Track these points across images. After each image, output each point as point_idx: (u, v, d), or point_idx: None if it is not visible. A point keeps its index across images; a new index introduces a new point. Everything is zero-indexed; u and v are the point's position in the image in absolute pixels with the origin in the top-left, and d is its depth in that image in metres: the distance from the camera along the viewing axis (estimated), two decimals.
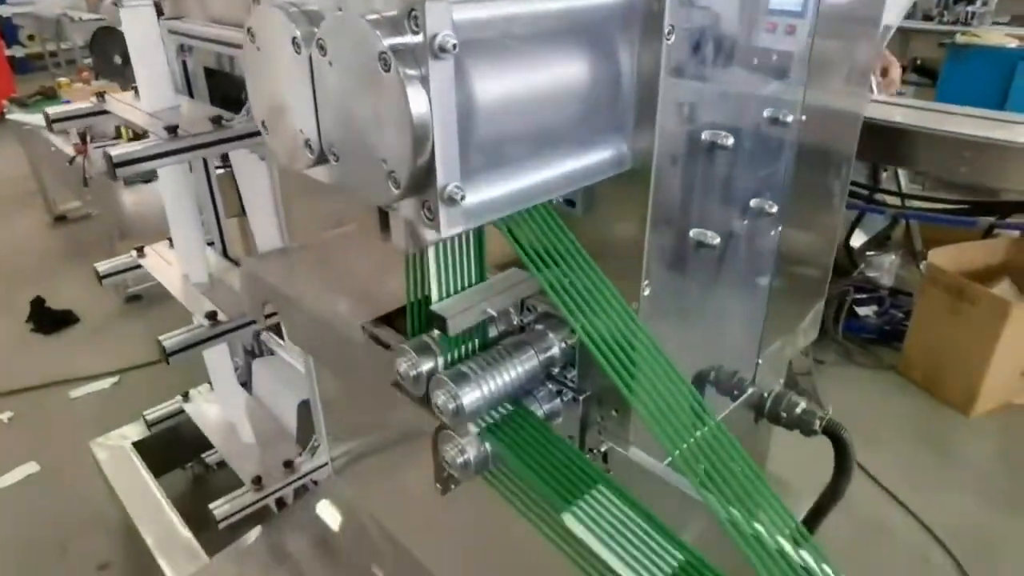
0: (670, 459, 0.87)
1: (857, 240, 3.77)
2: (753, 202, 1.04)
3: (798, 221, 1.17)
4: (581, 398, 1.03)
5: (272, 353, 2.23)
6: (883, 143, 2.51)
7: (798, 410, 1.30)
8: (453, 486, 1.07)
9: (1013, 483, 2.49)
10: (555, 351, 1.02)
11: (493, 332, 1.04)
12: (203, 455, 2.32)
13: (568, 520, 0.87)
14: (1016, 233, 3.15)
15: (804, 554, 0.80)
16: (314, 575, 1.74)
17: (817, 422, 1.28)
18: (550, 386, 1.05)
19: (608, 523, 0.87)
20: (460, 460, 0.96)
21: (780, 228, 1.13)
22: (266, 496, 1.84)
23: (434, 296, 0.92)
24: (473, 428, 0.96)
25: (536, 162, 0.79)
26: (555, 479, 0.92)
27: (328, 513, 1.90)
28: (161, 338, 1.55)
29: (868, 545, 2.22)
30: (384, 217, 0.85)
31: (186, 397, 2.23)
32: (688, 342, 1.06)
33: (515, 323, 1.06)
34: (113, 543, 2.19)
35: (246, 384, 2.27)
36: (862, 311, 3.39)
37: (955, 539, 2.20)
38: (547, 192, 0.80)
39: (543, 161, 0.79)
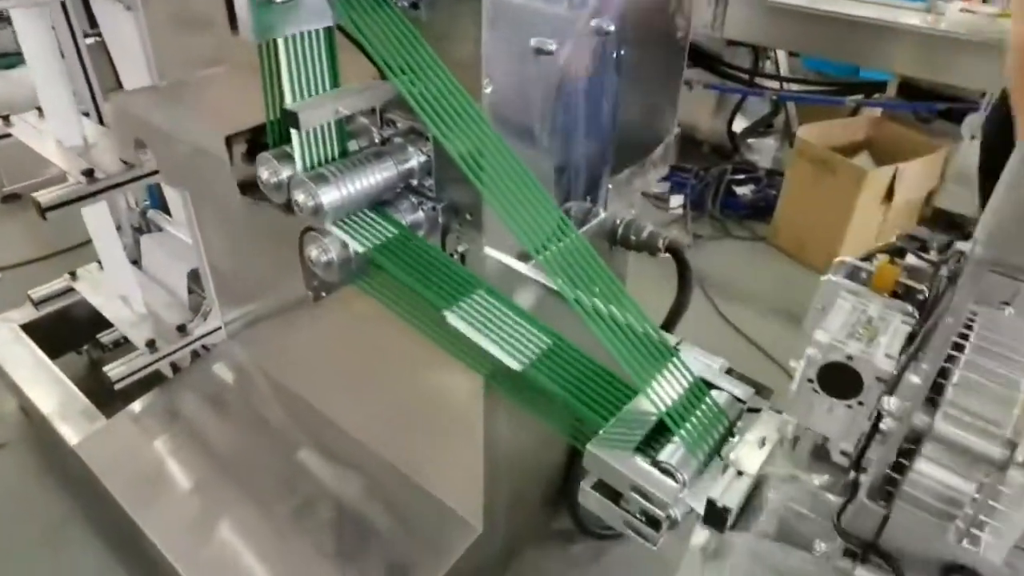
0: (532, 261, 0.98)
1: (739, 125, 3.97)
2: (593, 22, 1.13)
3: (641, 50, 1.27)
4: (440, 207, 1.12)
5: (160, 229, 2.23)
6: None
7: (644, 234, 1.44)
8: (324, 293, 1.16)
9: None
10: (414, 163, 1.10)
11: (356, 147, 1.11)
12: (98, 336, 2.32)
13: (450, 317, 0.97)
14: (878, 111, 3.40)
15: (648, 325, 0.92)
16: (208, 428, 1.82)
17: (661, 242, 1.43)
18: (412, 199, 1.14)
19: (483, 317, 0.98)
20: (324, 259, 1.05)
21: (622, 51, 1.22)
22: (160, 358, 1.88)
23: (287, 100, 0.97)
24: (344, 236, 1.04)
25: None
26: (433, 283, 1.02)
27: (222, 372, 1.97)
28: (36, 195, 1.54)
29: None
30: (231, 11, 0.89)
31: (74, 276, 2.21)
32: (536, 156, 1.15)
33: (376, 139, 1.14)
34: (8, 426, 2.19)
35: (136, 262, 2.27)
36: (740, 190, 3.62)
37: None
38: None
39: None
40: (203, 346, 2.07)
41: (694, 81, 3.69)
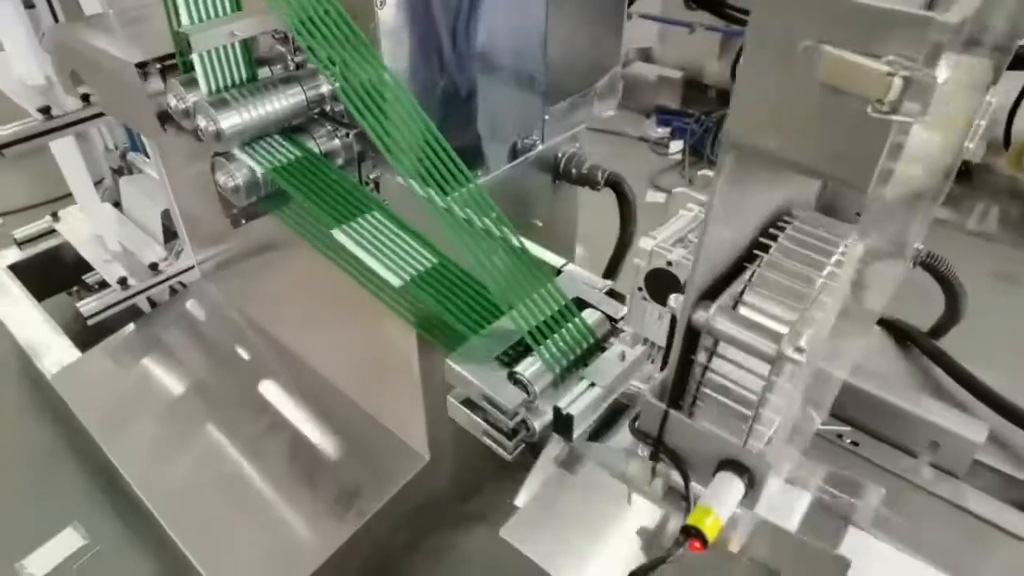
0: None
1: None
2: None
3: None
4: (352, 134, 1.12)
5: (140, 172, 2.27)
6: None
7: (585, 167, 1.43)
8: (244, 221, 1.17)
9: None
10: (324, 89, 1.10)
11: (269, 73, 1.12)
12: (84, 277, 2.38)
13: (337, 234, 0.99)
14: None
15: (506, 229, 0.93)
16: (178, 361, 1.87)
17: (600, 174, 1.42)
18: (328, 126, 1.14)
19: (373, 237, 0.99)
20: (231, 184, 1.06)
21: None
22: (131, 295, 1.93)
23: (183, 22, 0.98)
24: (249, 160, 1.05)
25: None
26: (329, 204, 1.03)
27: (194, 309, 2.01)
28: None
29: None
30: None
31: (56, 217, 2.26)
32: (445, 82, 1.12)
33: (291, 65, 1.14)
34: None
35: (118, 204, 2.31)
36: None
37: None
38: None
39: None
40: (181, 284, 2.12)
41: (696, 23, 3.60)
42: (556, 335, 0.81)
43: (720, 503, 0.51)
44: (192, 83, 1.04)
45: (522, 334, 0.80)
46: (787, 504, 0.65)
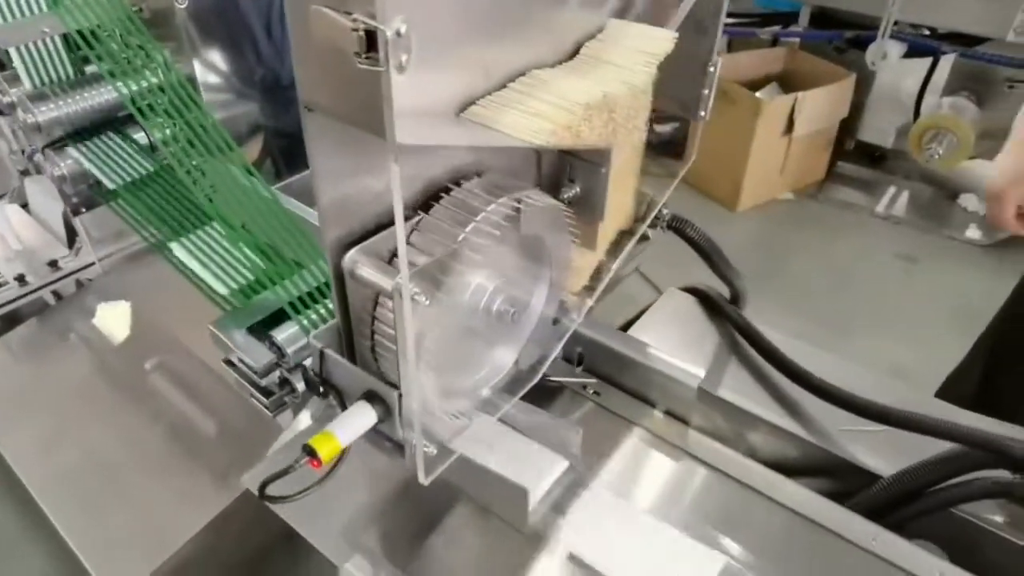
0: None
1: None
2: None
3: None
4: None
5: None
6: None
7: None
8: (83, 209, 1.23)
9: (750, 260, 2.85)
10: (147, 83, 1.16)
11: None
12: None
13: (176, 248, 1.05)
14: (796, 41, 3.38)
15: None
16: (76, 353, 1.92)
17: None
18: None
19: (209, 246, 1.05)
20: (58, 174, 1.12)
21: None
22: (29, 292, 1.97)
23: None
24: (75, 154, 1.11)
25: None
26: (172, 219, 1.09)
27: (94, 302, 2.06)
28: None
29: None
30: None
31: None
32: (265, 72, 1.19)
33: None
34: None
35: (25, 206, 2.35)
36: (660, 128, 3.63)
37: None
38: None
39: None
40: (88, 278, 2.16)
41: None
42: (320, 307, 0.88)
43: (344, 428, 0.58)
44: (17, 79, 1.10)
45: (282, 304, 0.87)
46: (488, 440, 0.72)
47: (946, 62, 2.96)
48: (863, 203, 3.20)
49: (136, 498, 1.61)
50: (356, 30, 0.42)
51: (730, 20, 3.71)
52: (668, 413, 0.91)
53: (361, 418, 0.59)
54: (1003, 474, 0.87)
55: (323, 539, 0.74)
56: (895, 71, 3.21)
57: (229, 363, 0.86)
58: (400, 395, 0.58)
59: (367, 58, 0.43)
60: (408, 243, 0.62)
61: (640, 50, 0.73)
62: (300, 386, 0.82)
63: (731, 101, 2.98)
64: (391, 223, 0.62)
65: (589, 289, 0.85)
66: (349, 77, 0.45)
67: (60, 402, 1.82)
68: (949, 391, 1.57)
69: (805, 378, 1.00)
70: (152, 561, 1.46)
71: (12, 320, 2.11)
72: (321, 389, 0.64)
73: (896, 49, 3.17)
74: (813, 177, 3.26)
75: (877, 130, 3.34)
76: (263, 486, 0.61)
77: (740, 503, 0.85)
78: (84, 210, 1.23)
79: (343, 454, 0.58)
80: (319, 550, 0.73)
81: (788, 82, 3.23)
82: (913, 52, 3.25)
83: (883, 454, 0.96)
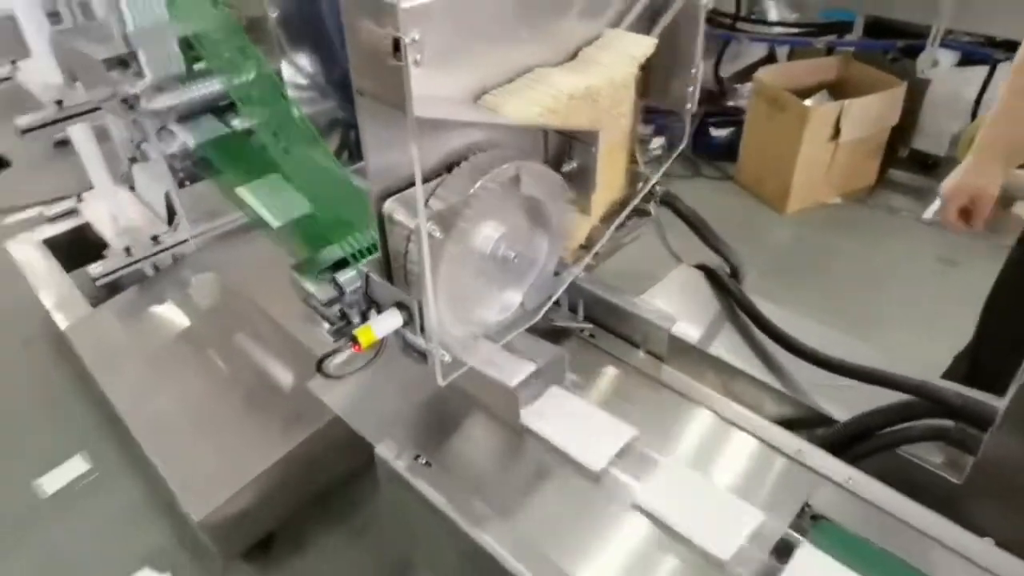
0: None
1: (728, 70, 4.07)
2: None
3: None
4: None
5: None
6: None
7: None
8: (188, 182, 1.49)
9: (794, 259, 2.95)
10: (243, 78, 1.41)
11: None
12: (104, 252, 2.76)
13: (241, 192, 1.29)
14: (851, 50, 3.45)
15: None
16: (170, 317, 2.21)
17: None
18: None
19: (267, 191, 1.29)
20: (169, 152, 1.37)
21: None
22: (134, 261, 2.28)
23: (129, 27, 1.30)
24: (181, 133, 1.37)
25: None
26: (243, 168, 1.33)
27: (187, 274, 2.36)
28: (17, 120, 1.93)
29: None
30: None
31: (79, 198, 2.64)
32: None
33: None
34: (34, 322, 2.66)
35: (133, 188, 2.69)
36: (717, 132, 3.75)
37: None
38: None
39: None
40: (183, 253, 2.47)
41: None
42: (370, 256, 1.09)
43: (378, 324, 0.78)
44: (141, 75, 1.36)
45: (345, 255, 1.08)
46: (491, 358, 0.92)
47: (1002, 70, 2.99)
48: (911, 209, 3.25)
49: (217, 437, 1.87)
50: (387, 37, 0.63)
51: (788, 30, 3.82)
52: (649, 352, 1.08)
53: (391, 319, 0.79)
54: (947, 424, 1.01)
55: (363, 425, 0.95)
56: (951, 79, 3.25)
57: (304, 300, 1.08)
58: (419, 304, 0.78)
59: (394, 57, 0.64)
60: (433, 195, 0.82)
61: (626, 53, 0.91)
62: (356, 320, 1.03)
63: (781, 108, 3.08)
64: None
65: (585, 248, 1.03)
66: (384, 70, 0.66)
67: (156, 356, 2.11)
68: (953, 372, 1.67)
69: (784, 338, 1.15)
70: (228, 489, 1.72)
71: (115, 288, 2.43)
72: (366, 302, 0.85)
73: (948, 57, 3.21)
74: (863, 183, 3.32)
75: (931, 138, 3.38)
76: (320, 361, 0.82)
77: (719, 432, 1.02)
78: (188, 183, 1.47)
79: (379, 346, 0.78)
80: (358, 432, 0.93)
81: (841, 90, 3.31)
82: (969, 60, 3.28)
83: (846, 405, 1.10)
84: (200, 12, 1.23)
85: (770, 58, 4.19)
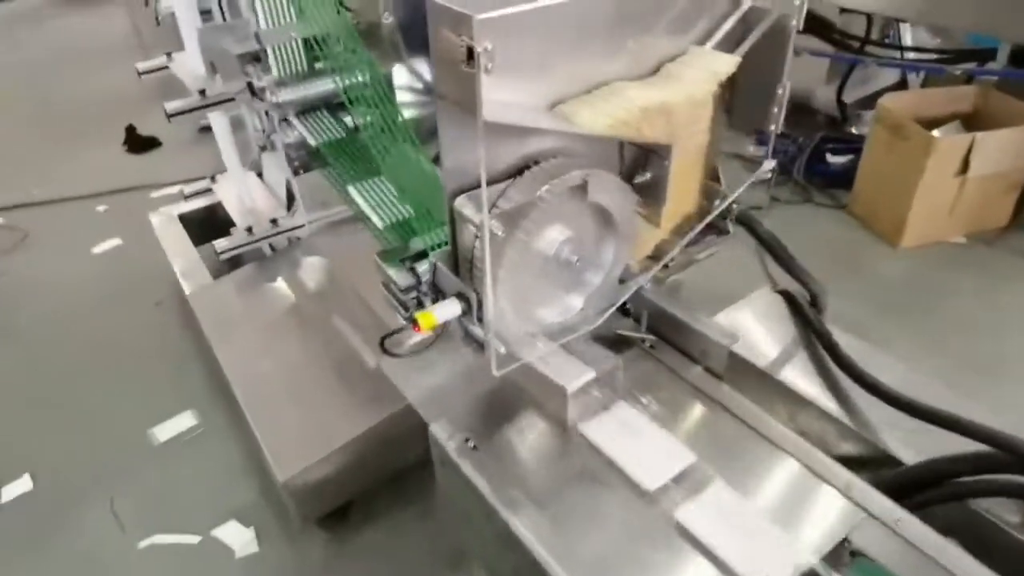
0: None
1: (853, 95, 3.92)
2: None
3: None
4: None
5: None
6: None
7: None
8: (302, 171, 1.62)
9: (902, 296, 2.81)
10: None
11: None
12: (231, 229, 3.00)
13: (350, 190, 1.40)
14: (992, 79, 3.25)
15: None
16: (282, 293, 2.39)
17: None
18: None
19: (375, 193, 1.40)
20: (287, 140, 1.50)
21: None
22: (255, 240, 2.48)
23: (262, 26, 1.43)
24: (300, 128, 1.49)
25: None
26: (354, 168, 1.45)
27: (300, 256, 2.54)
28: (166, 104, 2.15)
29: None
30: None
31: (213, 179, 2.89)
32: None
33: None
34: (165, 287, 2.94)
35: (260, 174, 2.91)
36: (833, 159, 3.61)
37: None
38: None
39: None
40: (298, 236, 2.66)
41: (801, 47, 3.72)
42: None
43: (438, 310, 0.85)
44: (268, 70, 1.50)
45: (425, 247, 1.16)
46: (553, 358, 0.97)
47: None
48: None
49: (308, 407, 2.01)
50: (462, 46, 0.69)
51: (922, 56, 3.63)
52: (707, 369, 1.09)
53: (451, 306, 0.86)
54: None
55: (421, 403, 1.02)
56: None
57: (385, 286, 1.16)
58: (478, 295, 0.84)
59: (468, 64, 0.70)
60: (503, 195, 0.88)
61: (707, 69, 0.94)
62: (427, 303, 1.10)
63: (903, 137, 2.95)
64: (492, 181, 0.88)
65: (653, 259, 1.06)
66: (460, 76, 0.72)
67: (264, 327, 2.29)
68: None
69: (854, 370, 1.13)
70: (312, 456, 1.85)
71: (236, 263, 2.65)
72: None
73: None
74: (993, 223, 3.12)
75: None
76: (382, 340, 0.89)
77: (764, 456, 1.02)
78: (302, 171, 1.60)
79: (438, 331, 0.85)
80: (416, 407, 1.00)
81: (976, 121, 3.12)
82: None
83: (916, 449, 1.07)
84: (323, 15, 1.34)
85: (902, 84, 4.00)
